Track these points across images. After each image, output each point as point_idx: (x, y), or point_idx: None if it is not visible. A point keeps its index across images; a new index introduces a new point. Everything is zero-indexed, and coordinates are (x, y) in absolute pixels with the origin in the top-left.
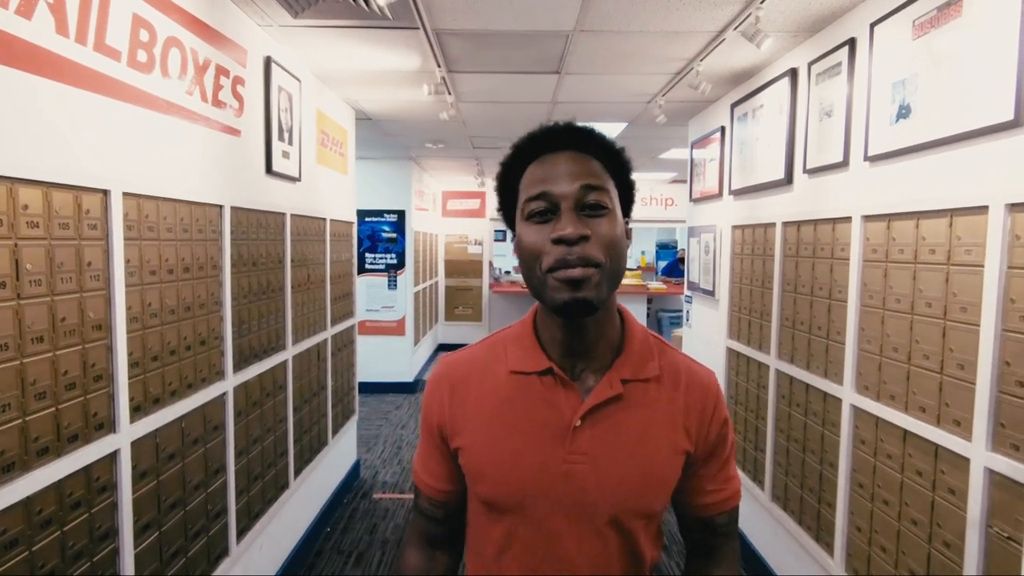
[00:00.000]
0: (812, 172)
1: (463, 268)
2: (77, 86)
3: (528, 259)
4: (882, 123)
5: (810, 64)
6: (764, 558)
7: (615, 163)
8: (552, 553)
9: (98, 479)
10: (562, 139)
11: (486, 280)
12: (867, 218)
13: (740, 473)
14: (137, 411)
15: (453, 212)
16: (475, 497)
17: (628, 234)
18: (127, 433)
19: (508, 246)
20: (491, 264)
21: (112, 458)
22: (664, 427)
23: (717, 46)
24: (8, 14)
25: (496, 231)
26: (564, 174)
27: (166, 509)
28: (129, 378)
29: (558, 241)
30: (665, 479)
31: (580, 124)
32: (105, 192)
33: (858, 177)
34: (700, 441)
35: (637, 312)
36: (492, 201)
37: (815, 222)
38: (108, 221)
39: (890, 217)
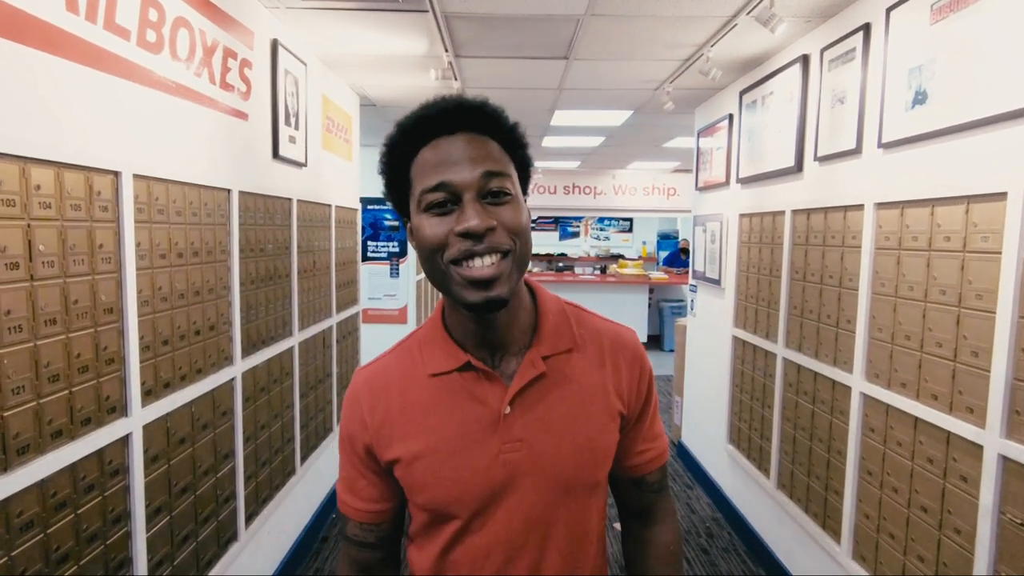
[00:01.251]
0: (823, 159)
1: None
2: (87, 65)
3: (428, 252)
4: (897, 109)
5: (823, 50)
6: (768, 544)
7: (511, 141)
8: (500, 546)
9: (111, 462)
10: (455, 119)
11: None
12: (880, 205)
13: (745, 461)
14: (148, 395)
15: None
16: (416, 506)
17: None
18: (139, 417)
19: None
20: None
21: (124, 442)
22: (594, 395)
23: (729, 31)
24: None
25: None
26: (463, 160)
27: (177, 493)
28: (140, 362)
29: (464, 234)
30: (604, 447)
31: (472, 100)
32: (116, 174)
33: (871, 164)
34: (631, 402)
35: (638, 301)
36: None
37: (826, 210)
38: (119, 203)
39: (904, 204)
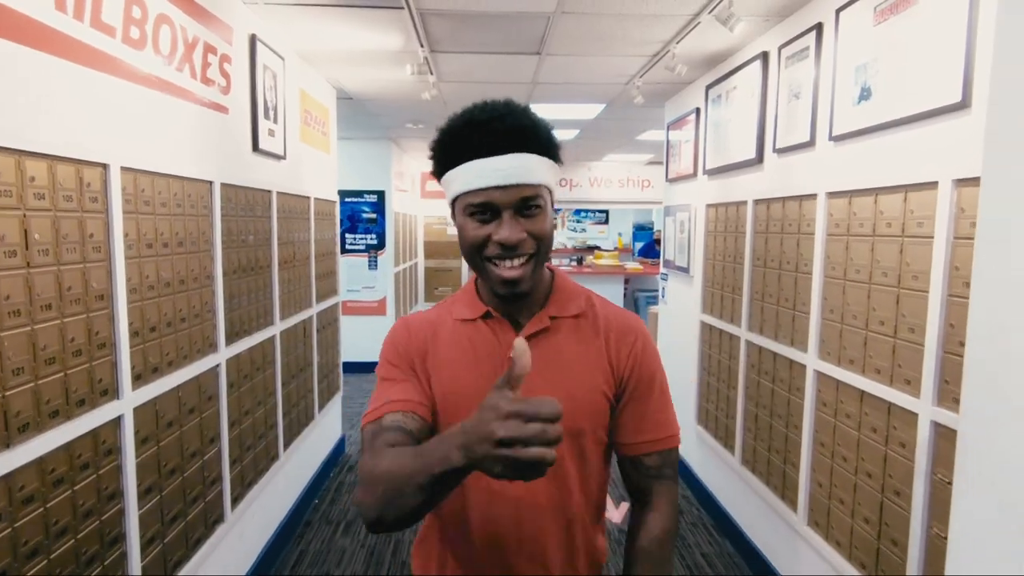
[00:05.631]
0: (781, 152)
1: (442, 249)
2: (75, 61)
3: (470, 248)
4: (846, 104)
5: (780, 48)
6: (733, 517)
7: (548, 150)
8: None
9: (104, 442)
10: (503, 141)
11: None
12: (831, 195)
13: (712, 440)
14: (138, 379)
15: (432, 193)
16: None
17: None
18: (129, 400)
19: None
20: None
21: (116, 423)
22: (589, 356)
23: (692, 29)
24: None
25: None
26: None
27: (166, 474)
28: (130, 347)
29: (499, 243)
30: (589, 400)
31: (521, 120)
32: (104, 166)
33: (823, 156)
34: (625, 375)
35: (615, 291)
36: None
37: (783, 199)
38: (108, 194)
39: (852, 193)
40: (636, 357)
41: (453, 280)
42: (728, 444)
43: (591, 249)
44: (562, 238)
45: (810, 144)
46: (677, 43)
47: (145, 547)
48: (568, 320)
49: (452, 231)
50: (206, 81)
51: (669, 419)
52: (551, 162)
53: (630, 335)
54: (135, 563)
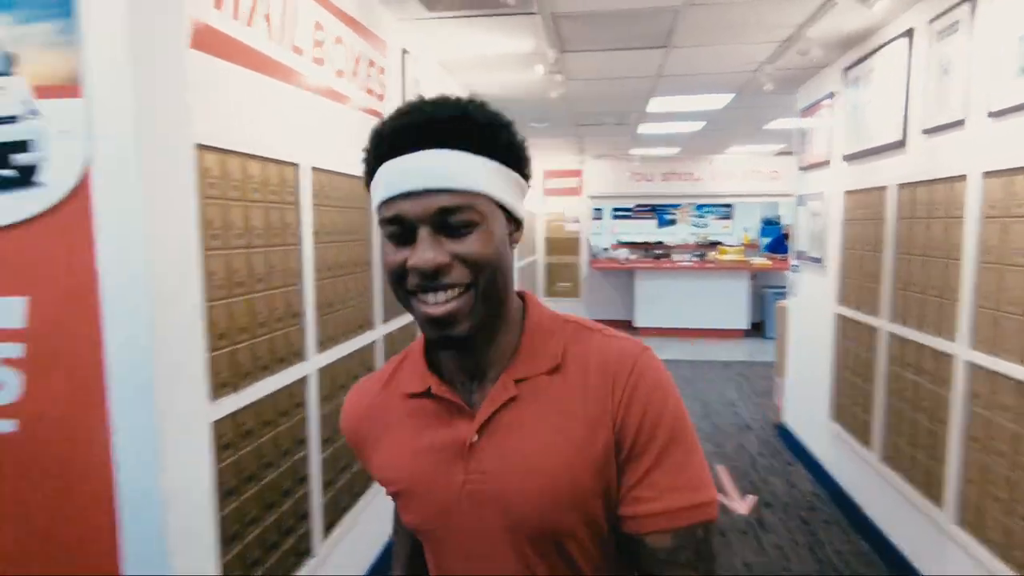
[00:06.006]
0: (929, 132)
1: (562, 246)
2: (278, 78)
3: (390, 279)
4: (1006, 78)
5: (930, 22)
6: (869, 516)
7: (494, 145)
8: None
9: (295, 396)
10: (421, 134)
11: (584, 257)
12: (987, 174)
13: (848, 436)
14: (320, 345)
15: (551, 191)
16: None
17: (519, 228)
18: (314, 362)
19: (606, 223)
20: (588, 241)
21: (303, 381)
22: (570, 427)
23: (827, 11)
24: (239, 24)
25: (594, 209)
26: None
27: (338, 430)
28: (316, 317)
29: (414, 269)
30: (575, 486)
31: (444, 110)
32: (296, 166)
33: (978, 134)
34: (620, 426)
35: (738, 288)
36: (590, 179)
37: (930, 182)
38: (298, 190)
39: (1013, 172)
40: (633, 402)
41: (573, 276)
42: (864, 440)
43: (713, 245)
44: (683, 234)
45: (962, 122)
46: (811, 26)
47: (324, 488)
48: (542, 379)
49: (569, 227)
50: (368, 91)
51: (687, 483)
52: (499, 165)
53: (623, 374)
54: (316, 501)
